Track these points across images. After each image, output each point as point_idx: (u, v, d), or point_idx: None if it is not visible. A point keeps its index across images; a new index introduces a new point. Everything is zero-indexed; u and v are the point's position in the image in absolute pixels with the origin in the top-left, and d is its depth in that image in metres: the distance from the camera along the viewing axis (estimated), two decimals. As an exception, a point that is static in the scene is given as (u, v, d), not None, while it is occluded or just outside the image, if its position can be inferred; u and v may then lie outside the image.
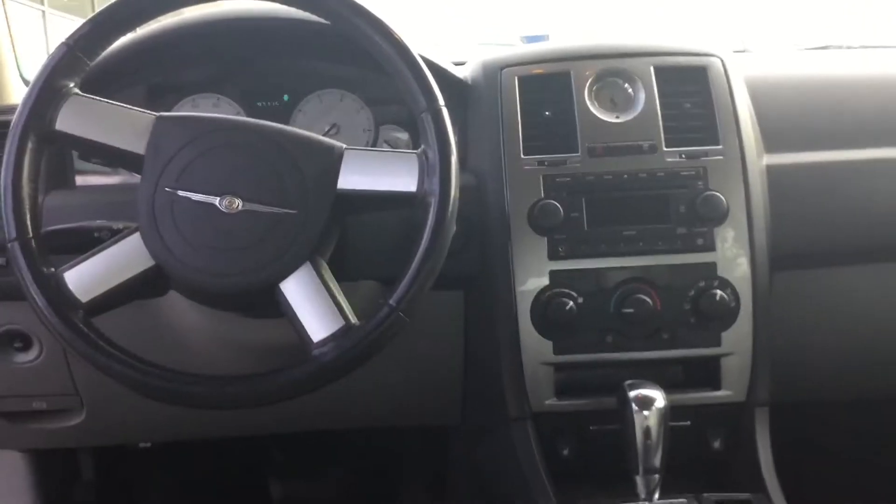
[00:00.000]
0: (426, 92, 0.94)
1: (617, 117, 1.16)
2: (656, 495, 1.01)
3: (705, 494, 1.08)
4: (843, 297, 1.22)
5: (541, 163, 1.13)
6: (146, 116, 0.95)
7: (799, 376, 1.23)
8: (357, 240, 1.08)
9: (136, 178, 0.95)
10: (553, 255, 1.12)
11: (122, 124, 0.94)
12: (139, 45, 1.16)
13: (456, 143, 0.94)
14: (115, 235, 0.96)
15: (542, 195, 1.12)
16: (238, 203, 0.92)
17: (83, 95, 0.94)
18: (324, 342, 0.91)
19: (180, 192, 0.92)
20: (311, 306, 0.92)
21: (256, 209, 0.92)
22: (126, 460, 1.71)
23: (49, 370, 1.21)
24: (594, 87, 1.17)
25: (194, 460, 1.76)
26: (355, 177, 0.94)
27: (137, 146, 0.93)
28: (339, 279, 0.95)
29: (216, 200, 0.92)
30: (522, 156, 1.14)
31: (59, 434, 1.30)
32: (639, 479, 1.01)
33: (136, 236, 0.92)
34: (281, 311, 0.93)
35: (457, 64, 1.25)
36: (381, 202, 0.96)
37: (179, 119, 0.97)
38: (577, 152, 1.14)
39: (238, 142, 0.94)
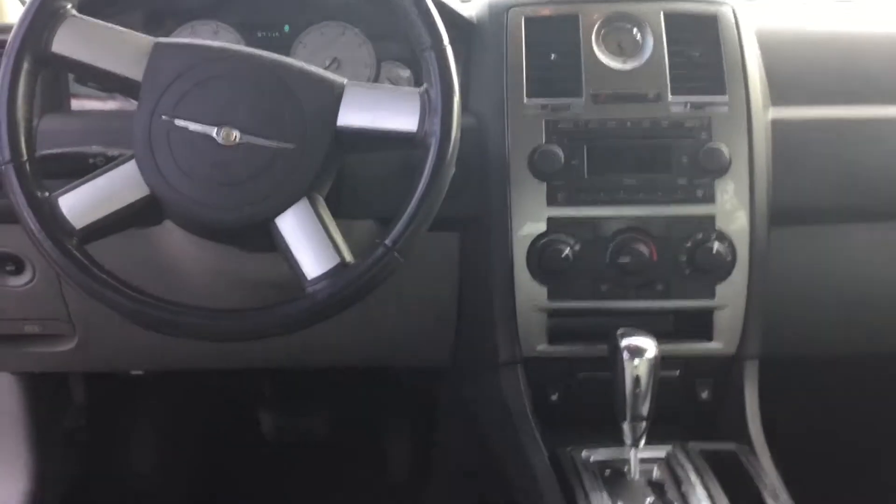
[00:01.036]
0: (430, 29, 0.92)
1: (624, 63, 1.14)
2: (642, 442, 1.03)
3: (690, 443, 1.09)
4: (839, 254, 1.22)
5: (543, 107, 1.12)
6: (144, 41, 0.93)
7: (790, 331, 1.23)
8: (355, 177, 1.07)
9: (132, 105, 0.93)
10: (551, 201, 1.11)
11: (120, 48, 0.93)
12: None
13: (459, 83, 0.93)
14: (110, 162, 0.95)
15: (544, 140, 1.11)
16: (235, 135, 0.91)
17: (80, 17, 0.92)
18: (318, 279, 0.91)
19: (177, 121, 0.91)
20: (307, 243, 0.92)
21: (254, 142, 0.91)
22: (117, 387, 1.72)
23: (42, 294, 1.21)
24: (602, 31, 1.15)
25: (185, 390, 1.77)
26: (355, 113, 0.93)
27: (135, 72, 0.92)
28: (335, 216, 0.94)
29: (213, 131, 0.91)
30: (525, 99, 1.12)
31: (50, 358, 1.30)
32: (626, 426, 1.02)
33: (132, 164, 0.91)
34: (276, 246, 0.92)
35: (462, 1, 1.23)
36: (380, 141, 0.95)
37: (178, 46, 0.95)
38: (581, 97, 1.12)
39: (237, 72, 0.93)
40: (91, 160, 1.00)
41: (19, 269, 1.21)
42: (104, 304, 0.90)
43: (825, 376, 1.61)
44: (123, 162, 0.92)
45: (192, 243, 1.09)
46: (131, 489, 1.76)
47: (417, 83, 0.97)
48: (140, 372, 1.62)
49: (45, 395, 1.59)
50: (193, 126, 0.91)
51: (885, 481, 1.60)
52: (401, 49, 1.22)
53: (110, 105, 1.22)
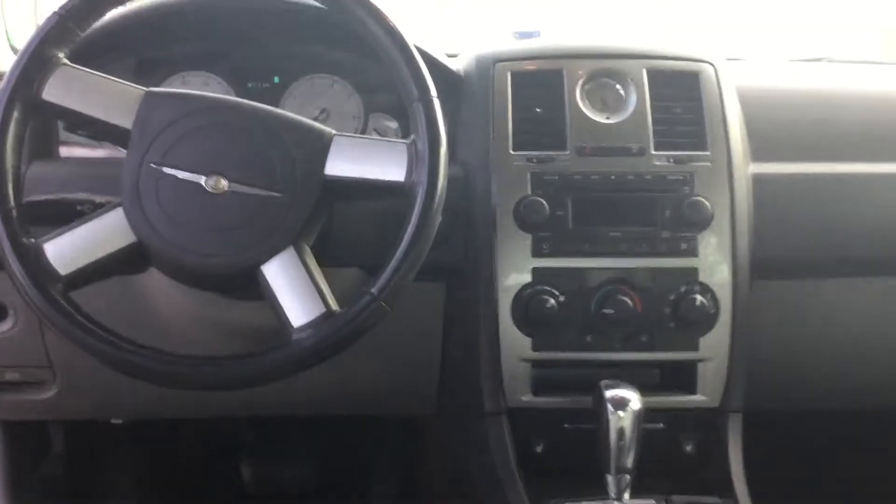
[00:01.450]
0: (419, 82, 0.93)
1: (607, 118, 1.16)
2: (626, 495, 1.02)
3: (674, 497, 1.09)
4: (821, 308, 1.24)
5: (529, 159, 1.13)
6: (135, 91, 0.94)
7: (773, 385, 1.24)
8: (342, 226, 1.08)
9: (121, 153, 0.94)
10: (537, 252, 1.12)
11: (111, 97, 0.93)
12: (131, 17, 1.15)
13: (446, 134, 0.94)
14: (97, 209, 0.95)
15: (529, 192, 1.12)
16: (224, 183, 0.91)
17: (72, 66, 0.93)
18: (303, 327, 0.91)
19: (166, 169, 0.91)
20: (293, 291, 0.92)
21: (242, 190, 0.91)
22: (97, 436, 1.70)
23: (23, 341, 1.20)
24: (586, 87, 1.17)
25: (165, 439, 1.75)
26: (343, 163, 0.94)
27: (125, 120, 0.92)
28: (321, 265, 0.94)
29: (202, 179, 0.91)
30: (511, 151, 1.14)
31: (30, 406, 1.28)
32: (610, 479, 1.02)
33: (119, 211, 0.92)
34: (262, 294, 0.92)
35: (450, 56, 1.25)
36: (368, 190, 0.96)
37: (169, 95, 0.96)
38: (566, 150, 1.14)
39: (227, 122, 0.94)
40: (78, 207, 1.01)
41: (1, 316, 1.20)
42: (88, 352, 0.89)
43: (809, 430, 1.61)
44: (111, 209, 0.92)
45: (177, 291, 1.09)
46: None
47: (405, 135, 0.98)
48: (120, 420, 1.60)
49: (22, 443, 1.57)
50: (182, 174, 0.91)
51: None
52: (389, 101, 1.24)
53: (99, 152, 1.23)
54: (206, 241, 0.91)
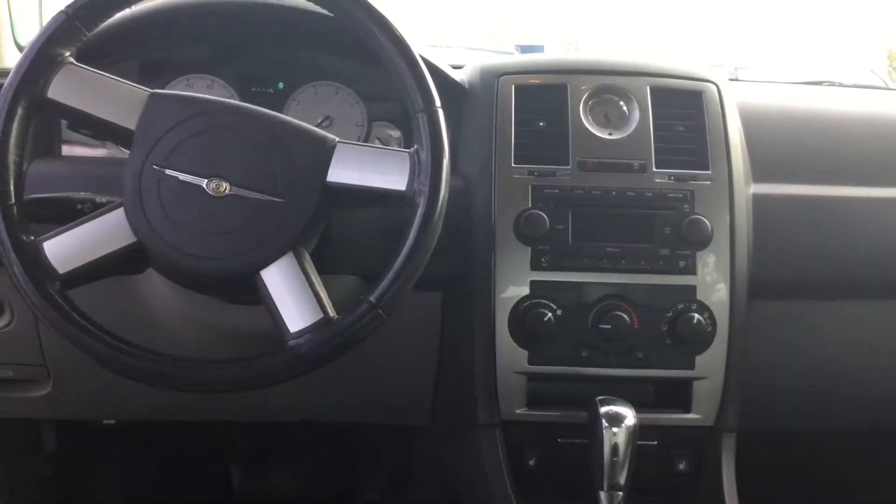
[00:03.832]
0: (424, 92, 0.94)
1: (610, 134, 1.16)
2: (619, 512, 1.02)
3: None
4: (817, 330, 1.24)
5: (531, 172, 1.13)
6: (140, 92, 0.94)
7: (768, 405, 1.24)
8: (342, 233, 1.08)
9: (123, 153, 0.94)
10: (535, 266, 1.12)
11: (115, 98, 0.94)
12: (138, 19, 1.15)
13: (448, 145, 0.94)
14: (98, 208, 0.95)
15: (530, 205, 1.12)
16: (225, 187, 0.91)
17: (78, 65, 0.93)
18: (300, 333, 0.90)
19: (168, 171, 0.91)
20: (291, 296, 0.91)
21: (244, 194, 0.91)
22: (88, 436, 1.69)
23: (18, 338, 1.19)
24: (589, 102, 1.18)
25: (156, 441, 1.74)
26: (345, 171, 0.94)
27: (129, 121, 0.93)
28: (320, 272, 0.94)
29: (204, 182, 0.91)
30: (513, 164, 1.14)
31: (22, 404, 1.28)
32: (602, 495, 1.02)
33: (120, 211, 0.92)
34: (260, 298, 0.92)
35: (454, 67, 1.25)
36: (369, 198, 0.96)
37: (173, 97, 0.96)
38: (568, 165, 1.14)
39: (231, 126, 0.94)
40: (79, 206, 1.00)
41: None
42: (82, 351, 0.89)
43: (802, 450, 1.60)
44: (111, 209, 0.92)
45: (175, 293, 1.09)
46: None
47: (407, 144, 0.98)
48: (112, 421, 1.59)
49: (13, 442, 1.56)
50: (184, 176, 0.91)
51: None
52: (392, 109, 1.24)
53: (101, 152, 1.23)
54: (205, 244, 0.91)
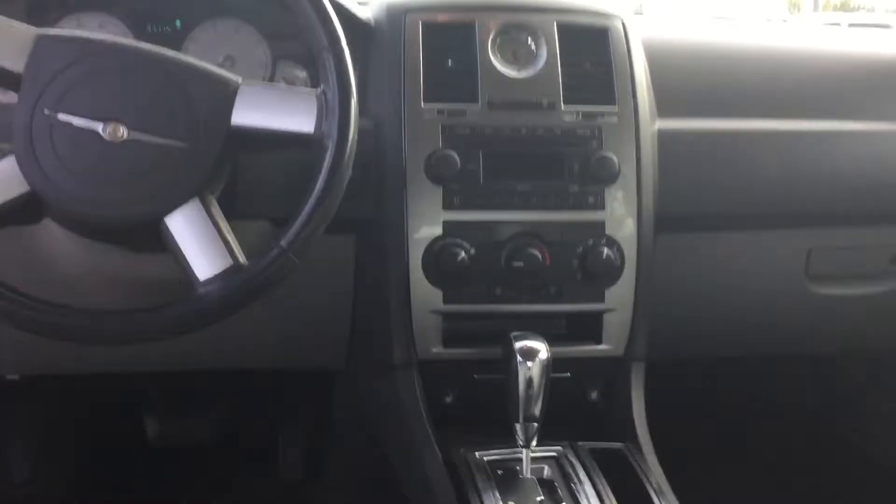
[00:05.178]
0: (328, 30, 0.91)
1: (518, 71, 1.16)
2: (534, 442, 1.04)
3: (580, 443, 1.12)
4: (720, 261, 1.28)
5: (440, 112, 1.13)
6: (27, 32, 0.89)
7: (675, 334, 1.28)
8: (249, 177, 1.05)
9: (12, 98, 0.89)
10: (448, 206, 1.12)
11: (1, 39, 0.88)
12: None
13: (356, 85, 0.92)
14: None
15: (440, 145, 1.12)
16: (123, 131, 0.88)
17: None
18: (210, 281, 0.89)
19: (60, 116, 0.87)
20: (198, 243, 0.89)
21: (143, 139, 0.88)
22: None
23: None
24: (497, 40, 1.17)
25: (64, 395, 1.70)
26: (250, 113, 0.91)
27: (16, 63, 0.88)
28: (228, 217, 0.92)
29: (99, 127, 0.88)
30: (423, 104, 1.13)
31: None
32: (518, 427, 1.04)
33: (11, 159, 0.87)
34: (165, 246, 0.90)
35: (359, 3, 1.22)
36: (276, 141, 0.94)
37: (63, 38, 0.91)
38: (477, 103, 1.14)
39: (126, 67, 0.90)
40: None
41: None
42: None
43: (707, 377, 1.68)
44: (1, 157, 0.88)
45: (74, 242, 1.05)
46: (8, 498, 1.67)
47: (314, 84, 0.96)
48: (16, 377, 1.54)
49: None
50: (78, 121, 0.87)
51: (763, 476, 1.68)
52: (297, 48, 1.21)
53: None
54: (104, 192, 0.88)
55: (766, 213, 1.25)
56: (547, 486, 1.05)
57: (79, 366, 1.27)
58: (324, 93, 0.91)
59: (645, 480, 1.08)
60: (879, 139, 1.27)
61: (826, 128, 1.25)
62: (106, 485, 1.77)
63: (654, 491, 1.06)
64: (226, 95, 0.91)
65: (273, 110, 0.92)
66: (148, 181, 0.88)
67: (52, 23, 1.16)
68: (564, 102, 1.15)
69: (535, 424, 1.04)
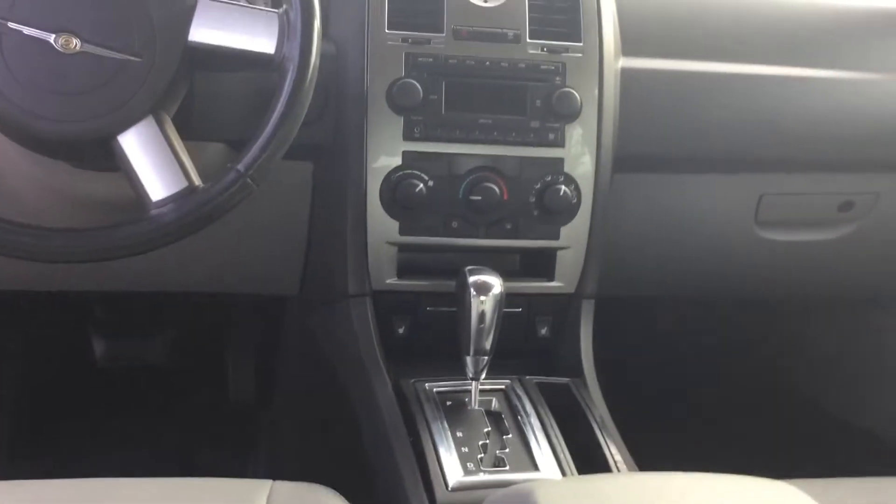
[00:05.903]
0: None
1: (485, 1, 1.14)
2: (483, 375, 1.06)
3: (528, 377, 1.14)
4: (674, 203, 1.30)
5: (405, 39, 1.11)
6: None
7: (626, 274, 1.30)
8: (206, 97, 1.02)
9: None
10: (408, 136, 1.11)
11: None
12: None
13: (319, 7, 0.90)
14: None
15: (403, 73, 1.10)
16: (76, 43, 0.85)
17: None
18: (163, 202, 0.87)
19: (10, 24, 0.84)
20: (152, 163, 0.88)
21: (96, 52, 0.85)
22: None
23: None
24: None
25: (8, 313, 1.67)
26: (209, 30, 0.89)
27: None
28: (184, 138, 0.90)
29: (51, 37, 0.84)
30: (387, 30, 1.10)
31: None
32: (468, 360, 1.05)
33: None
34: (118, 165, 0.88)
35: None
36: (235, 61, 0.91)
37: None
38: (442, 33, 1.12)
39: None
40: None
41: None
42: None
43: (656, 316, 1.71)
44: None
45: (23, 157, 1.02)
46: None
47: (276, 4, 0.93)
48: None
49: None
50: (28, 30, 0.84)
51: (704, 414, 1.74)
52: None
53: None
54: (55, 105, 0.85)
55: (722, 158, 1.26)
56: (494, 417, 1.07)
57: (25, 283, 1.25)
58: (286, 13, 0.89)
59: (589, 414, 1.11)
60: (835, 87, 1.28)
61: (785, 73, 1.26)
62: (50, 404, 1.76)
63: (598, 424, 1.09)
64: (184, 10, 0.88)
65: (232, 28, 0.89)
66: (100, 96, 0.86)
67: None
68: (530, 36, 1.13)
69: (486, 358, 1.05)
